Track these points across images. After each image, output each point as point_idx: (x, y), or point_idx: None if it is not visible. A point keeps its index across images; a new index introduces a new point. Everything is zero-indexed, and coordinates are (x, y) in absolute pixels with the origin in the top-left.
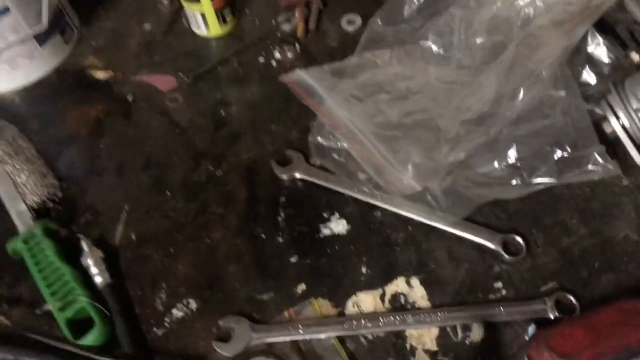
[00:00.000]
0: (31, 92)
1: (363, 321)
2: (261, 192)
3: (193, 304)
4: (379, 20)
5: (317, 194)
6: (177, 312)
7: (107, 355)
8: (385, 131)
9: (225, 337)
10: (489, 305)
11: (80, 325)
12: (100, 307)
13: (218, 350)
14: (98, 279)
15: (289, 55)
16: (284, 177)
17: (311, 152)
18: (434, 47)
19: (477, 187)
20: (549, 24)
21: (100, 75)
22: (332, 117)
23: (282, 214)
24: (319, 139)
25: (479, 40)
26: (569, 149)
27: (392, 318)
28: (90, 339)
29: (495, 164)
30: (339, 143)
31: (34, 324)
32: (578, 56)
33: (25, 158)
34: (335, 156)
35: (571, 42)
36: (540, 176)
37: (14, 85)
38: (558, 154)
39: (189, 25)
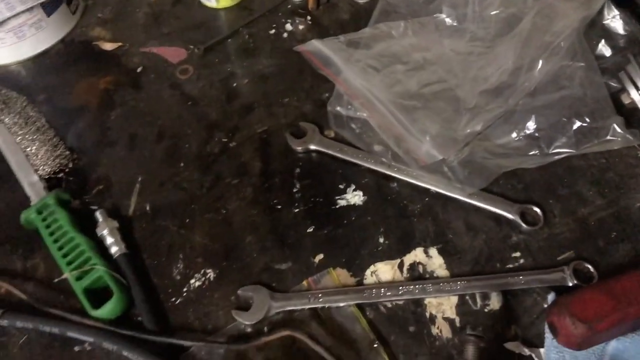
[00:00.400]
0: (38, 62)
1: (382, 290)
2: (276, 163)
3: (211, 274)
4: None
5: (332, 166)
6: (194, 282)
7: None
8: (405, 101)
9: (244, 306)
10: (508, 274)
11: (98, 296)
12: (117, 276)
13: (238, 318)
14: (114, 249)
15: (300, 27)
16: (299, 148)
17: (330, 121)
18: (448, 20)
19: (495, 157)
20: None
21: (108, 46)
22: (350, 87)
23: (298, 185)
24: (338, 108)
25: (493, 12)
26: (587, 120)
27: (411, 287)
28: (109, 308)
29: (514, 134)
30: (357, 113)
31: (50, 296)
32: (594, 29)
33: (36, 128)
34: (354, 126)
35: (588, 13)
36: (559, 147)
37: (21, 55)
38: (576, 124)
39: None
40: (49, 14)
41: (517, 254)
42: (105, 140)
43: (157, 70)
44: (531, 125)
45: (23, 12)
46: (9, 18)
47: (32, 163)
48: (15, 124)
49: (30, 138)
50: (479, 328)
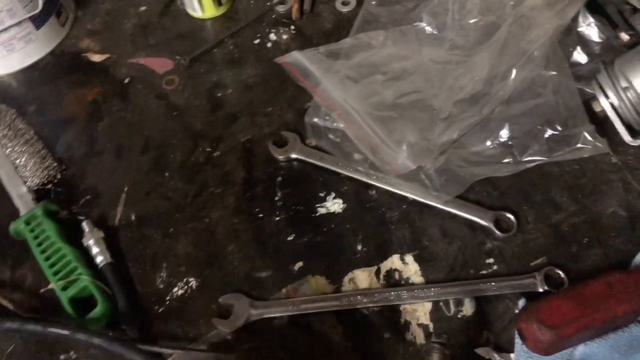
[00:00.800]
0: (28, 75)
1: (359, 297)
2: (258, 172)
3: (193, 283)
4: (373, 1)
5: (313, 174)
6: (177, 291)
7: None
8: (381, 112)
9: (225, 314)
10: (481, 280)
11: (83, 305)
12: (102, 285)
13: (218, 326)
14: (99, 259)
15: (284, 36)
16: (281, 157)
17: (307, 132)
18: (428, 28)
19: (470, 165)
20: (541, 4)
21: (97, 58)
22: (328, 98)
23: (279, 194)
24: (315, 119)
25: (472, 21)
26: (559, 128)
27: (386, 293)
28: (93, 317)
29: (488, 142)
30: (335, 124)
31: (36, 306)
32: (569, 36)
33: (25, 140)
34: (331, 136)
35: (563, 22)
36: (532, 155)
37: (11, 68)
38: (549, 132)
39: (184, 7)
40: (38, 27)
41: (491, 260)
42: (92, 150)
43: (144, 81)
44: (505, 134)
45: (12, 26)
46: None
47: (21, 175)
48: (5, 136)
49: (19, 150)
50: (444, 335)
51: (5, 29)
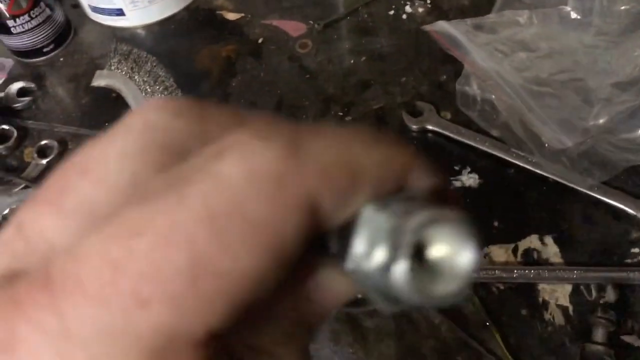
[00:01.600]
0: (164, 28)
1: (496, 271)
2: None
3: None
4: None
5: (448, 147)
6: None
7: None
8: (534, 86)
9: None
10: (626, 268)
11: None
12: None
13: None
14: None
15: (420, 9)
16: (415, 127)
17: (457, 99)
18: (573, 13)
19: (619, 151)
20: None
21: (231, 16)
22: (479, 68)
23: None
24: (466, 87)
25: (621, 7)
26: None
27: (526, 271)
28: None
29: None
30: (485, 94)
31: None
32: None
33: (164, 87)
34: (479, 106)
35: None
36: None
37: (149, 19)
38: None
39: None
40: None
41: (637, 250)
42: (226, 105)
43: (277, 43)
44: None
45: None
46: None
47: None
48: (145, 82)
49: (159, 96)
50: (611, 311)
51: None
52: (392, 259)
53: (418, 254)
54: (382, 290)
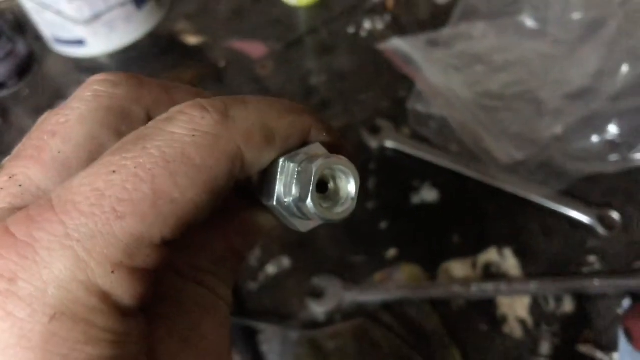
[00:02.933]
0: (126, 55)
1: (455, 287)
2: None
3: (286, 262)
4: None
5: (407, 163)
6: (270, 269)
7: None
8: (485, 101)
9: (317, 295)
10: (583, 277)
11: None
12: None
13: (312, 305)
14: None
15: (379, 26)
16: (374, 145)
17: (409, 119)
18: (529, 22)
19: (574, 161)
20: None
21: (192, 40)
22: (430, 85)
23: (372, 181)
24: (418, 106)
25: (576, 16)
26: None
27: (484, 285)
28: None
29: (594, 138)
30: (437, 111)
31: None
32: None
33: None
34: (432, 124)
35: None
36: None
37: (110, 47)
38: None
39: None
40: (139, 8)
41: (593, 259)
42: None
43: (238, 65)
44: (613, 130)
45: (116, 5)
46: (104, 11)
47: None
48: None
49: None
50: (555, 324)
51: (110, 9)
52: (304, 193)
53: (320, 187)
54: (297, 215)
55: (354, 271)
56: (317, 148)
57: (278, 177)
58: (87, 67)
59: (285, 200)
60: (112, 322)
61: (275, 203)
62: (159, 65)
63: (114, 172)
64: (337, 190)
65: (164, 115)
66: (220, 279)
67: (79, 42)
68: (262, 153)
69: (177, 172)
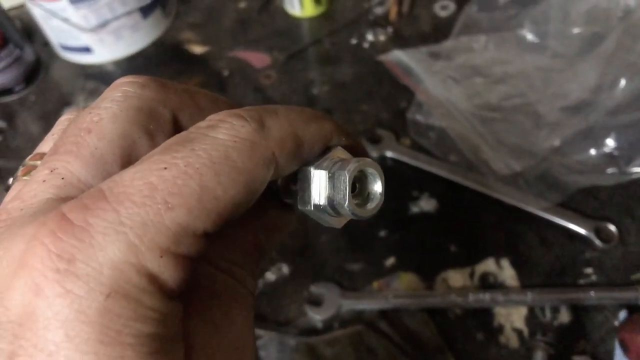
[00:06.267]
0: (131, 63)
1: (452, 296)
2: None
3: (285, 269)
4: (474, 6)
5: (407, 173)
6: (270, 276)
7: None
8: (484, 112)
9: (316, 302)
10: (579, 289)
11: None
12: None
13: (310, 313)
14: None
15: (381, 37)
16: (374, 154)
17: (409, 129)
18: (529, 36)
19: (572, 173)
20: None
21: (197, 49)
22: (430, 97)
23: None
24: (417, 116)
25: (576, 31)
26: None
27: (481, 295)
28: None
29: (592, 151)
30: (436, 122)
31: None
32: None
33: None
34: (432, 134)
35: None
36: (637, 166)
37: (117, 55)
38: None
39: (283, 5)
40: (145, 17)
41: (590, 270)
42: None
43: (242, 74)
44: (610, 143)
45: (123, 14)
46: (110, 20)
47: None
48: None
49: None
50: (550, 334)
51: (116, 17)
52: (340, 196)
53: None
54: (332, 215)
55: (352, 279)
56: (340, 152)
57: (312, 184)
58: (93, 74)
59: (321, 204)
60: (158, 302)
61: (312, 208)
62: (163, 73)
63: (165, 168)
64: (365, 188)
65: (205, 123)
66: (247, 272)
67: (86, 50)
68: (293, 159)
69: (221, 172)
